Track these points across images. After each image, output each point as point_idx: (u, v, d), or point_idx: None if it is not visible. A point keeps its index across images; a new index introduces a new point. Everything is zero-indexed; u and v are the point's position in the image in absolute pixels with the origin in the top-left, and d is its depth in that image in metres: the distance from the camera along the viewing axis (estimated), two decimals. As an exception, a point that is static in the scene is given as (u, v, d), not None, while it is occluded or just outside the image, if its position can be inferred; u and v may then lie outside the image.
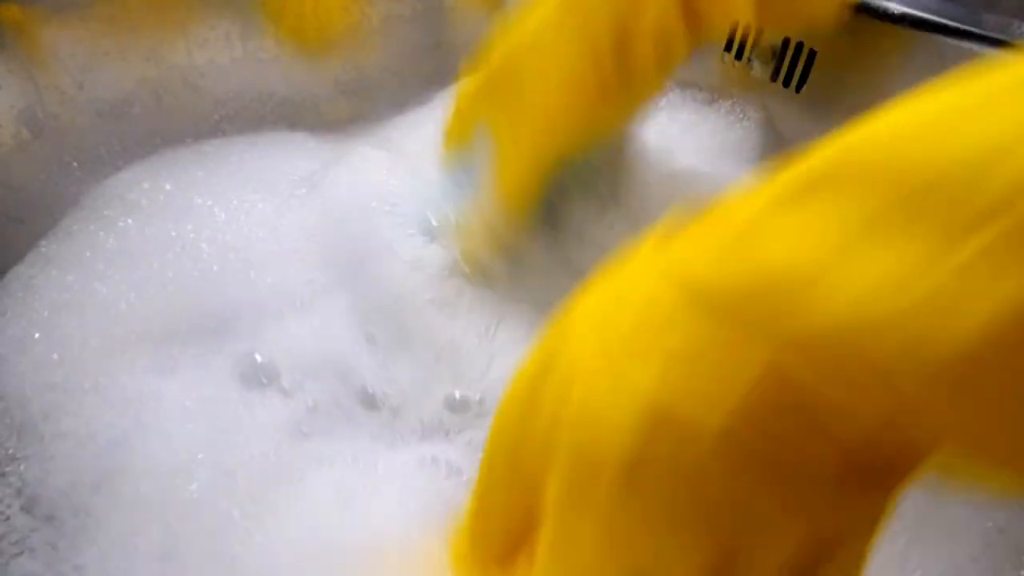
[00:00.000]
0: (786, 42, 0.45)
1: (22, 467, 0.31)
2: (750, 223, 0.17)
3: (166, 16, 0.43)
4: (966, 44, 0.38)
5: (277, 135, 0.45)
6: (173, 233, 0.38)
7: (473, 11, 0.51)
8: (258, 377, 0.34)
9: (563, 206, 0.38)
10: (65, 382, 0.33)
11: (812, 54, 0.44)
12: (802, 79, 0.45)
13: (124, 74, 0.43)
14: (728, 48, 0.47)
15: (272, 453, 0.31)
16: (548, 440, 0.21)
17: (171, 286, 0.36)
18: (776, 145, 0.46)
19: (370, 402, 0.35)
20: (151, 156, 0.41)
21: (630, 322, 0.19)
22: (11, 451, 0.32)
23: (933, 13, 0.39)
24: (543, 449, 0.21)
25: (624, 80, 0.33)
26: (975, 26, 0.38)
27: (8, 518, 0.30)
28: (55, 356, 0.34)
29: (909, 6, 0.40)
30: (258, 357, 0.34)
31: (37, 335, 0.34)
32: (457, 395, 0.35)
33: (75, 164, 0.41)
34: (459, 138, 0.38)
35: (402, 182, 0.40)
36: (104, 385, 0.32)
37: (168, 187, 0.39)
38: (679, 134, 0.45)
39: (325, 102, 0.49)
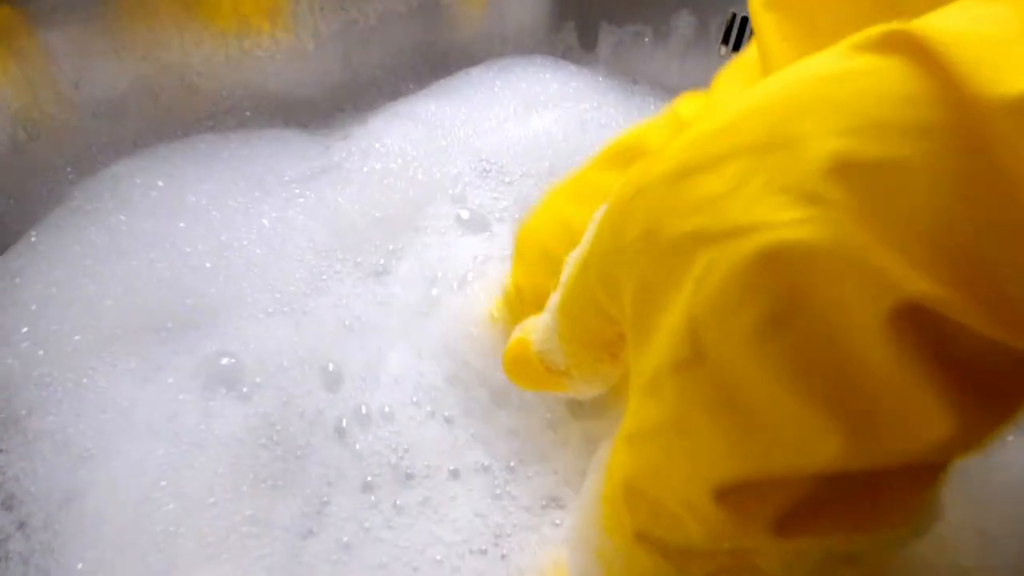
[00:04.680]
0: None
1: (2, 460, 0.32)
2: None
3: (161, 14, 0.43)
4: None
5: (271, 132, 0.44)
6: (164, 230, 0.37)
7: (469, 9, 0.51)
8: (238, 381, 0.33)
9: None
10: (49, 379, 0.33)
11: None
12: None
13: (120, 73, 0.43)
14: (725, 41, 0.46)
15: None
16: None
17: (159, 284, 0.36)
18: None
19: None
20: (143, 151, 0.41)
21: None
22: (-5, 439, 0.32)
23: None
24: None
25: None
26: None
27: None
28: (41, 352, 0.33)
29: None
30: (242, 360, 0.33)
31: (25, 329, 0.34)
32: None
33: (70, 169, 0.41)
34: None
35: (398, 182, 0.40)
36: (85, 386, 0.32)
37: (160, 183, 0.39)
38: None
39: (321, 100, 0.49)
